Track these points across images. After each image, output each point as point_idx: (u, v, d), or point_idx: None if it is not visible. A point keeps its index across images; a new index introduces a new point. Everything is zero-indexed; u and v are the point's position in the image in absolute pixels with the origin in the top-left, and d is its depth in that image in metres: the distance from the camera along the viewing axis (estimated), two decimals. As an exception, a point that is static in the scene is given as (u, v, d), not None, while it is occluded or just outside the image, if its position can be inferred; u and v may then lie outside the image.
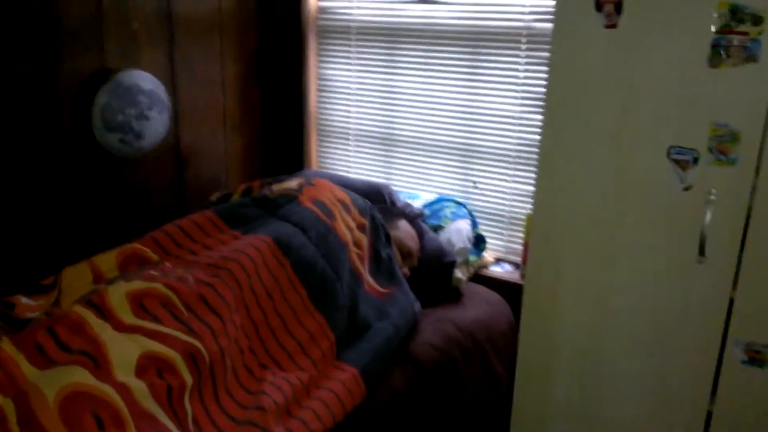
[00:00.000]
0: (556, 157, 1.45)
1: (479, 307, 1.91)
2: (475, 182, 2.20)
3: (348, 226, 1.73)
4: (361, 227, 1.77)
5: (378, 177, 2.38)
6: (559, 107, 1.42)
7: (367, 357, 1.53)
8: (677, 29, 1.26)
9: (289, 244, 1.58)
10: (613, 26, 1.31)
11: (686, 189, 1.31)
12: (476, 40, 2.08)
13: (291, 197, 1.75)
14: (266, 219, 1.68)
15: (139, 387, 1.17)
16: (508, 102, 2.05)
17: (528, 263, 1.56)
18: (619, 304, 1.45)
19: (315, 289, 1.56)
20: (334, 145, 2.48)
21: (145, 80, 1.94)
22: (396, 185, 2.35)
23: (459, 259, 2.00)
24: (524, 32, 1.98)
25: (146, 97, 1.93)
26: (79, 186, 1.89)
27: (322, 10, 2.36)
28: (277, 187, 1.80)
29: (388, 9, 2.22)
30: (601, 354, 1.50)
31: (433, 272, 1.93)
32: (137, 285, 1.34)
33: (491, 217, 2.20)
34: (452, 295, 1.96)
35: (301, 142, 2.46)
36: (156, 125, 1.98)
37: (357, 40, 2.31)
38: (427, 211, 2.15)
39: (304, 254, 1.58)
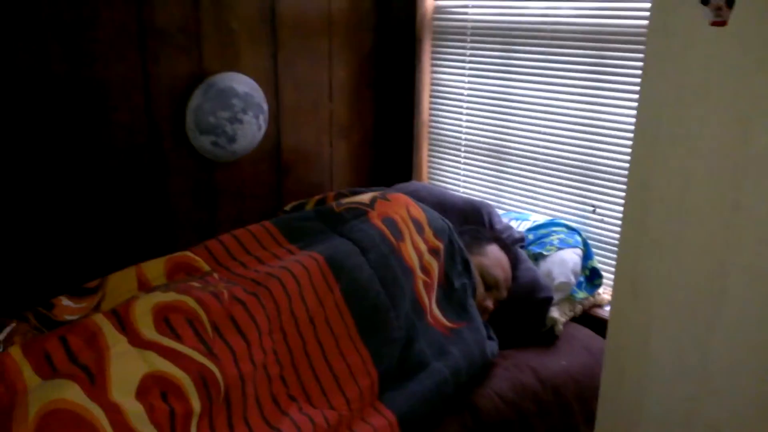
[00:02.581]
0: (647, 191, 1.16)
1: (576, 355, 1.63)
2: (594, 207, 1.90)
3: (417, 249, 1.55)
4: (433, 250, 1.57)
5: (487, 193, 2.16)
6: (652, 127, 1.13)
7: (411, 401, 1.34)
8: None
9: (342, 264, 1.43)
10: (722, 23, 1.00)
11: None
12: (601, 42, 1.78)
13: (360, 212, 1.61)
14: (327, 235, 1.55)
15: (134, 409, 1.10)
16: (634, 114, 1.73)
17: (610, 320, 1.27)
18: (718, 380, 1.12)
19: (364, 318, 1.41)
20: (444, 156, 2.29)
21: (241, 83, 1.91)
22: (505, 204, 2.11)
23: (558, 296, 1.73)
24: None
25: (240, 100, 1.90)
26: (174, 189, 1.91)
27: (438, 10, 2.19)
28: (346, 201, 1.67)
29: (506, 7, 2.00)
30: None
31: (524, 309, 1.68)
32: (169, 297, 1.28)
33: (611, 248, 1.88)
34: (546, 337, 1.70)
35: (411, 151, 2.31)
36: (251, 129, 1.95)
37: (472, 41, 2.10)
38: (530, 236, 1.89)
39: (358, 277, 1.43)
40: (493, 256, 1.70)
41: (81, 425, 1.04)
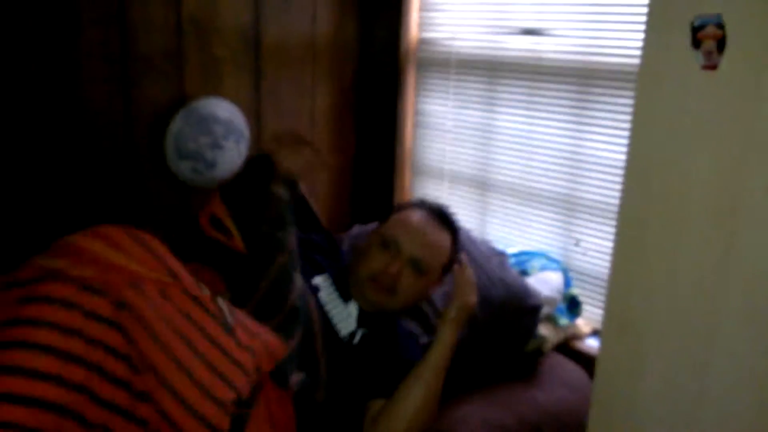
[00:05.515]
0: (638, 229, 1.16)
1: (555, 389, 1.61)
2: (577, 240, 1.90)
3: None
4: None
5: (471, 224, 2.15)
6: (644, 167, 1.13)
7: None
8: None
9: None
10: (713, 67, 1.01)
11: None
12: (585, 77, 1.80)
13: None
14: None
15: None
16: (619, 150, 1.75)
17: (599, 359, 1.26)
18: (710, 422, 1.11)
19: None
20: (427, 186, 2.29)
21: (223, 108, 1.89)
22: (489, 235, 2.11)
23: (545, 311, 1.72)
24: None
25: (222, 126, 1.87)
26: (152, 214, 1.87)
27: (423, 42, 2.19)
28: None
29: (491, 41, 2.01)
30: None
31: (514, 317, 1.65)
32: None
33: (592, 280, 1.88)
34: (525, 364, 1.68)
35: (392, 180, 2.30)
36: (231, 155, 1.91)
37: (456, 73, 2.11)
38: (512, 260, 1.90)
39: None
40: None
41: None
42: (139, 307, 1.03)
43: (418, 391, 1.36)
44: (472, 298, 1.50)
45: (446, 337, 1.44)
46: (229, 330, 1.16)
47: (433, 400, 1.38)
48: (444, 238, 1.57)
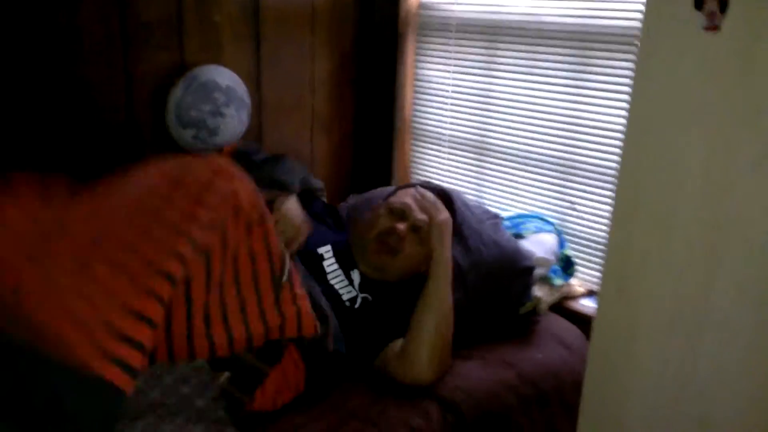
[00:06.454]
0: (636, 194, 1.18)
1: (552, 347, 1.65)
2: (573, 204, 1.93)
3: None
4: None
5: (469, 188, 2.18)
6: (643, 131, 1.15)
7: None
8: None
9: None
10: (715, 29, 1.02)
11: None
12: (585, 41, 1.80)
13: None
14: None
15: None
16: (618, 115, 1.76)
17: (596, 321, 1.29)
18: (706, 380, 1.15)
19: None
20: (427, 151, 2.30)
21: (224, 76, 1.89)
22: (487, 199, 2.13)
23: (539, 271, 1.75)
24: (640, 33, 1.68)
25: (223, 94, 1.87)
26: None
27: (423, 6, 2.18)
28: None
29: (491, 4, 2.00)
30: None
31: (508, 278, 1.69)
32: None
33: (588, 243, 1.92)
34: (521, 324, 1.71)
35: (392, 147, 2.31)
36: (232, 123, 1.92)
37: (456, 38, 2.11)
38: (507, 223, 1.93)
39: None
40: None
41: None
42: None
43: (429, 314, 1.46)
44: (443, 214, 1.61)
45: (438, 255, 1.54)
46: (277, 288, 1.30)
47: (447, 316, 1.48)
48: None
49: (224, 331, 1.22)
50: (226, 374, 1.24)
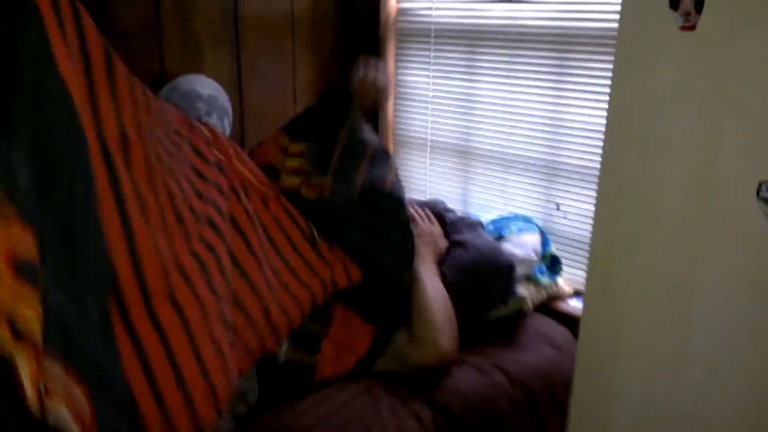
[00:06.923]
0: (619, 191, 1.19)
1: (541, 348, 1.65)
2: (558, 204, 1.94)
3: None
4: None
5: (453, 192, 2.18)
6: (623, 129, 1.16)
7: None
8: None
9: None
10: (691, 28, 1.04)
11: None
12: (563, 43, 1.82)
13: None
14: None
15: None
16: (598, 115, 1.78)
17: (583, 319, 1.30)
18: (694, 375, 1.16)
19: None
20: (411, 157, 2.31)
21: (205, 85, 1.88)
22: (471, 203, 2.14)
23: (521, 270, 1.76)
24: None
25: (204, 104, 1.86)
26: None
27: (402, 12, 2.20)
28: None
29: (470, 9, 2.02)
30: None
31: (488, 277, 1.69)
32: None
33: (573, 243, 1.93)
34: (508, 326, 1.72)
35: (375, 152, 2.31)
36: (215, 131, 1.91)
37: (436, 43, 2.12)
38: (490, 227, 1.93)
39: None
40: None
41: None
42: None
43: (425, 297, 1.52)
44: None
45: (423, 269, 1.60)
46: (314, 243, 1.39)
47: (442, 292, 1.57)
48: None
49: (291, 298, 1.28)
50: (286, 345, 1.29)
